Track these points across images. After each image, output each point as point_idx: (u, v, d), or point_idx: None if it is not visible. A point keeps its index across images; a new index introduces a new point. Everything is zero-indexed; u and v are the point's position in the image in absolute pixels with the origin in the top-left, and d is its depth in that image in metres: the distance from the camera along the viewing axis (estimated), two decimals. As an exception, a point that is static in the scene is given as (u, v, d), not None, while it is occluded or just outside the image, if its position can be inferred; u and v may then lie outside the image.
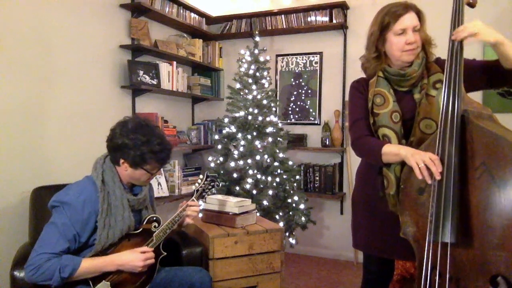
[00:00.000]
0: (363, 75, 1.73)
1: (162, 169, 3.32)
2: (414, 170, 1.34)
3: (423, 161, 1.32)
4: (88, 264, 1.55)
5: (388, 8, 1.54)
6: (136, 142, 1.63)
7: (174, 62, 3.45)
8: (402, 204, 1.46)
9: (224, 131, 3.27)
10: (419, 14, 1.52)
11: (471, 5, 1.44)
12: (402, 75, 1.55)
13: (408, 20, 1.49)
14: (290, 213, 3.20)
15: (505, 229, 1.20)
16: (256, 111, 3.19)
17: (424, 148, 1.40)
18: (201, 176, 2.01)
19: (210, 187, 1.99)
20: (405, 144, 1.51)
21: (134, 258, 1.62)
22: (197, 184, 1.98)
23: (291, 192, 3.21)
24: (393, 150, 1.46)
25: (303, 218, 3.17)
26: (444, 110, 1.34)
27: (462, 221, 1.28)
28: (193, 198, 1.91)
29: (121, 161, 1.68)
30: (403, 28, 1.50)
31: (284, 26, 3.78)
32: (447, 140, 1.30)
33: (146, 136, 1.65)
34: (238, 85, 3.31)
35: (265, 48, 3.37)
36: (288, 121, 3.85)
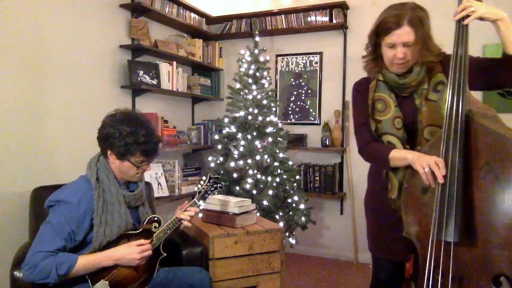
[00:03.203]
0: (363, 75, 1.72)
1: (162, 169, 3.32)
2: (421, 176, 1.34)
3: (428, 165, 1.32)
4: (85, 260, 1.55)
5: (384, 15, 1.47)
6: (121, 132, 1.63)
7: (174, 62, 3.45)
8: (405, 203, 1.45)
9: (224, 131, 3.27)
10: (416, 26, 1.42)
11: None
12: (400, 84, 1.53)
13: (397, 36, 1.43)
14: (290, 213, 3.20)
15: (508, 229, 1.20)
16: (256, 111, 3.19)
17: (428, 148, 1.40)
18: (203, 177, 2.00)
19: (213, 188, 1.97)
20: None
21: (130, 251, 1.62)
22: (199, 186, 1.97)
23: (291, 192, 3.20)
24: (400, 155, 1.46)
25: (303, 218, 3.17)
26: (448, 110, 1.32)
27: (465, 220, 1.28)
28: (195, 199, 1.90)
29: (109, 152, 1.68)
30: (392, 43, 1.46)
31: (284, 26, 3.78)
32: (451, 140, 1.30)
33: (132, 127, 1.64)
34: (238, 85, 3.31)
35: (265, 48, 3.37)
36: (288, 121, 3.85)
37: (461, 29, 1.36)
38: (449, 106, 1.33)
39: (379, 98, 1.57)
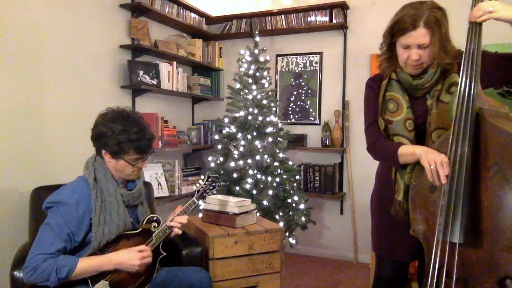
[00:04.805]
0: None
1: (162, 169, 3.32)
2: (426, 172, 1.32)
3: (435, 163, 1.30)
4: (85, 264, 1.55)
5: (401, 15, 1.43)
6: (113, 131, 1.62)
7: (174, 62, 3.45)
8: (413, 201, 1.44)
9: (224, 131, 3.27)
10: (432, 28, 1.37)
11: None
12: (414, 85, 1.50)
13: (412, 38, 1.39)
14: (290, 213, 3.20)
15: None
16: (256, 111, 3.19)
17: (438, 146, 1.38)
18: (202, 177, 2.00)
19: (211, 187, 1.97)
20: None
21: (131, 257, 1.61)
22: (198, 185, 1.97)
23: (291, 192, 3.21)
24: (409, 150, 1.45)
25: (303, 218, 3.17)
26: (460, 105, 1.30)
27: (472, 221, 1.26)
28: (193, 198, 1.90)
29: (103, 151, 1.68)
30: (407, 44, 1.42)
31: (284, 26, 3.78)
32: (460, 138, 1.28)
33: (123, 125, 1.64)
34: (238, 85, 3.31)
35: (265, 48, 3.37)
36: (288, 121, 3.85)
37: (475, 26, 1.33)
38: (460, 101, 1.30)
39: (391, 97, 1.55)
